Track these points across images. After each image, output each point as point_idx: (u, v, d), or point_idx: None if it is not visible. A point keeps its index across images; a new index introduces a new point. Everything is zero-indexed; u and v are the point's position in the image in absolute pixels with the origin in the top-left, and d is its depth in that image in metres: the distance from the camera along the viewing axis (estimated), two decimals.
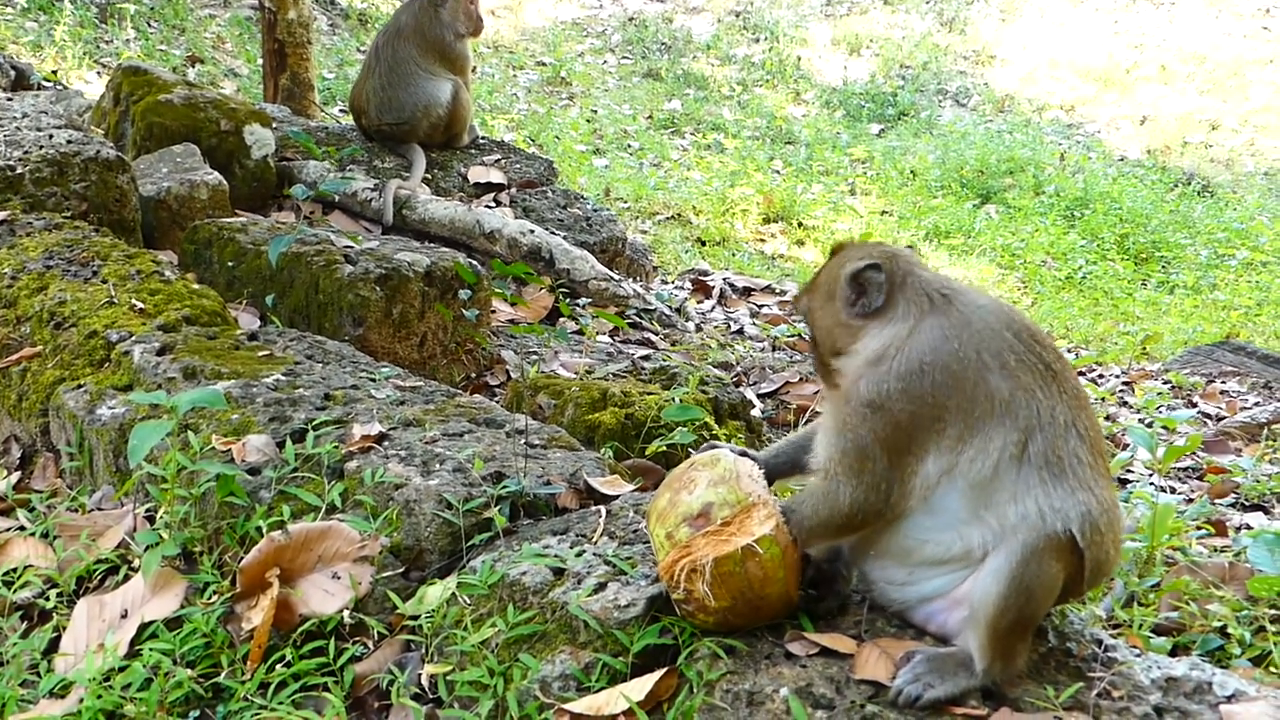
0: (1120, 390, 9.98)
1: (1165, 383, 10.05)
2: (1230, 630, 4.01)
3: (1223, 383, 10.19)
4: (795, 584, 3.39)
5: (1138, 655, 3.47)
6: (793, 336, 9.29)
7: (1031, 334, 3.37)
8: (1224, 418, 8.96)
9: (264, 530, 4.07)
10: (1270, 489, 6.63)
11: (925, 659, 3.24)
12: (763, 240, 16.20)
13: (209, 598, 3.99)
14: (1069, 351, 11.68)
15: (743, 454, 3.66)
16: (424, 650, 3.74)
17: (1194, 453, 6.92)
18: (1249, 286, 16.04)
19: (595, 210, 9.89)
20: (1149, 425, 7.74)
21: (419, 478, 4.23)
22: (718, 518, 3.29)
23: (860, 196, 19.14)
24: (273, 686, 3.60)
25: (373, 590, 3.94)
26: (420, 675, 3.66)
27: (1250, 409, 9.42)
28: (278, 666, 3.65)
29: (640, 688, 3.31)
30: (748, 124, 22.83)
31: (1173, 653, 3.97)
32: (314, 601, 3.88)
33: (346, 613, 3.85)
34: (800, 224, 16.73)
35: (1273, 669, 3.82)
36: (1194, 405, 9.31)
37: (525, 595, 3.67)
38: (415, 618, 3.80)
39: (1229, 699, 3.26)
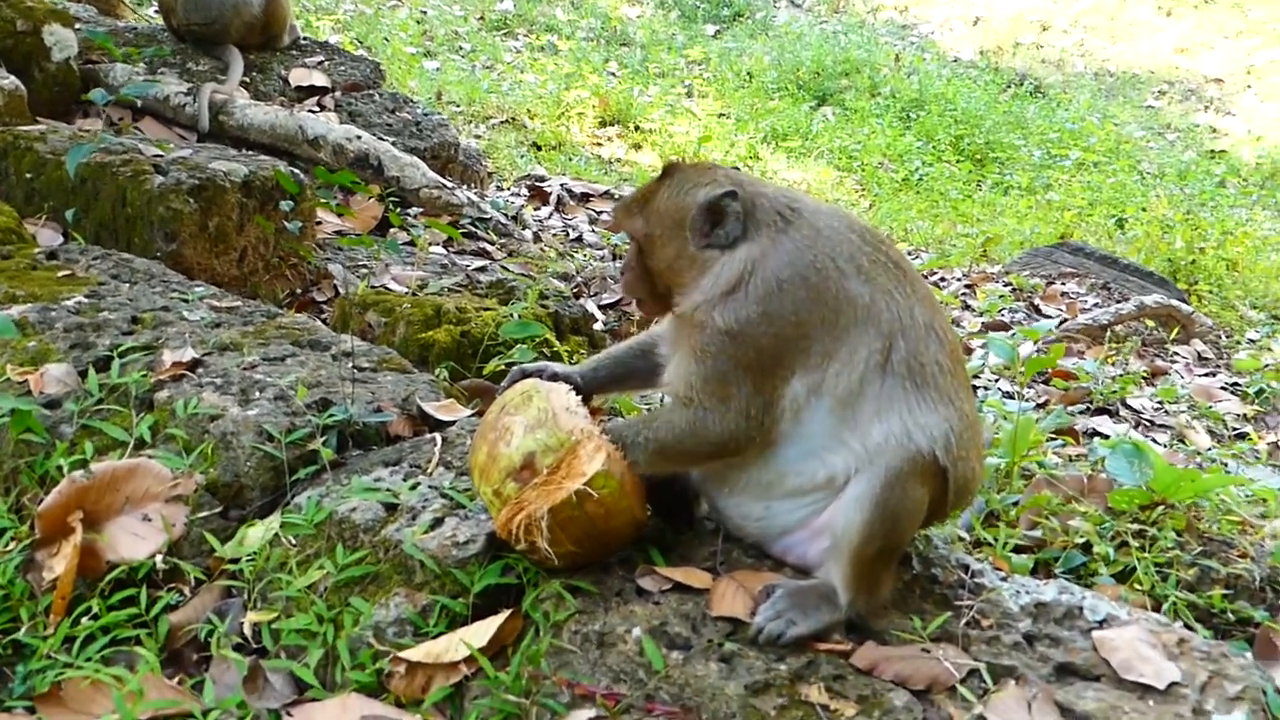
0: (962, 293, 9.99)
1: (1006, 285, 10.10)
2: (1095, 547, 3.92)
3: (1062, 284, 10.28)
4: (641, 505, 3.20)
5: (1004, 580, 3.34)
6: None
7: (875, 235, 3.22)
8: (1065, 320, 9.00)
9: (65, 470, 3.72)
10: (1112, 392, 6.64)
11: (786, 593, 3.06)
12: (599, 144, 15.91)
13: (6, 545, 3.62)
14: (911, 255, 11.68)
15: (555, 377, 3.41)
16: (246, 596, 3.44)
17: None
18: (1081, 187, 16.29)
19: (426, 115, 9.48)
20: (1009, 334, 7.65)
21: (236, 408, 3.91)
22: (543, 466, 3.05)
23: (697, 99, 18.95)
24: (79, 641, 3.28)
25: (188, 532, 3.64)
26: (242, 624, 3.36)
27: (1090, 310, 9.53)
28: (84, 619, 3.34)
29: (482, 632, 3.09)
30: (582, 25, 22.40)
31: (1034, 571, 3.87)
32: (123, 546, 3.57)
33: (159, 558, 3.55)
34: (637, 127, 16.49)
35: (1137, 586, 3.73)
36: (1035, 308, 9.35)
37: (355, 533, 3.41)
38: (235, 561, 3.50)
39: (1100, 624, 3.15)
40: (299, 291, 6.42)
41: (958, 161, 17.55)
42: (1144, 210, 14.71)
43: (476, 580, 3.19)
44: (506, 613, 3.14)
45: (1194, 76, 23.38)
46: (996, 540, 3.97)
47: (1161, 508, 4.04)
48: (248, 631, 3.34)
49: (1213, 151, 21.08)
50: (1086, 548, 3.98)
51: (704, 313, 3.09)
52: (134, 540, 3.60)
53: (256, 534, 3.55)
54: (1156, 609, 3.74)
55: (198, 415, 3.88)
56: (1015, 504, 4.25)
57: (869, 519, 2.98)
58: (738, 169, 3.42)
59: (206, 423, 3.86)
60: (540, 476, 3.04)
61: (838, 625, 3.06)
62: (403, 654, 3.07)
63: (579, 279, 7.43)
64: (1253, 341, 10.09)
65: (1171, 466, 4.13)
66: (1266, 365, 8.21)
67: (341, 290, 6.36)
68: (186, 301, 4.83)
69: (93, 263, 5.22)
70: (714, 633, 3.02)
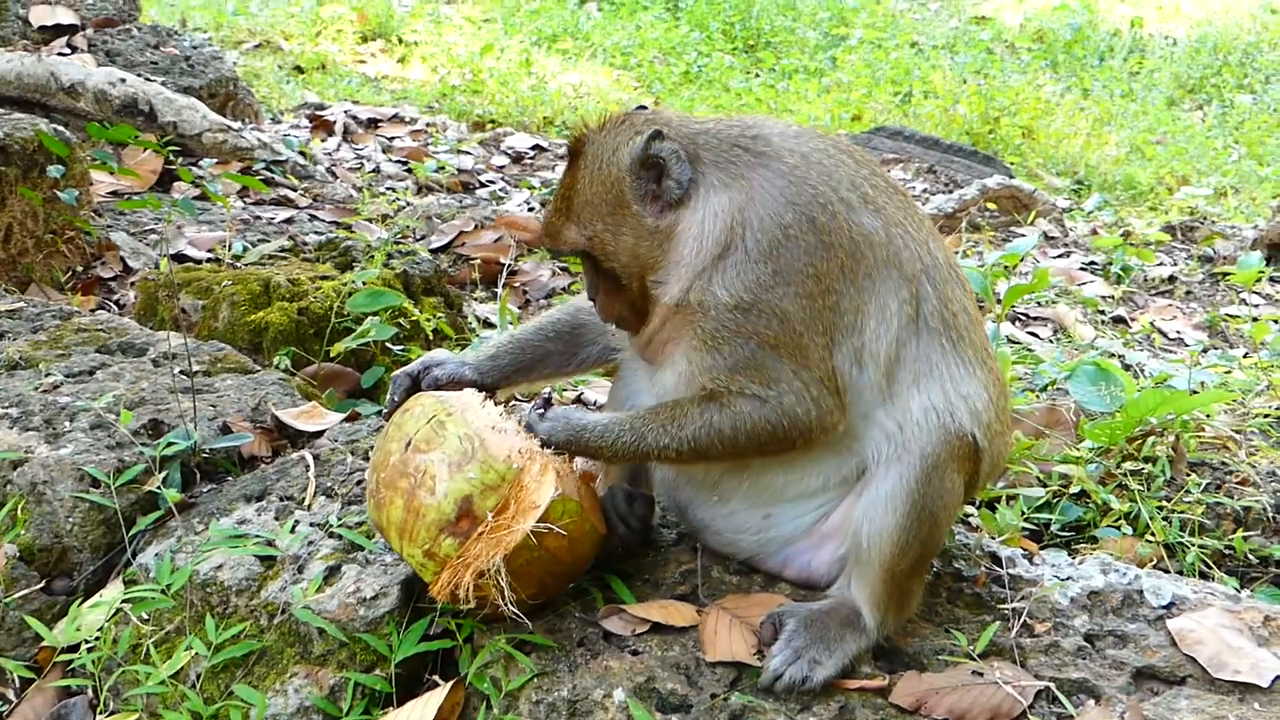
0: None
1: None
2: (1090, 493, 3.39)
3: (888, 171, 9.86)
4: (600, 518, 2.63)
5: (1035, 563, 2.80)
6: (439, 171, 8.23)
7: (864, 154, 2.65)
8: None
9: None
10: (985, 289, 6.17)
11: (800, 623, 2.47)
12: (363, 61, 14.94)
13: None
14: None
15: (440, 385, 2.77)
16: (92, 695, 2.75)
17: None
18: (864, 64, 16.02)
19: (195, 47, 8.53)
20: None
21: (44, 446, 3.20)
22: (485, 511, 2.42)
23: (457, 5, 17.98)
24: None
25: (3, 618, 2.96)
26: None
27: (919, 195, 9.17)
28: None
29: (417, 717, 2.47)
30: None
31: (1037, 537, 3.32)
32: None
33: None
34: (401, 40, 15.53)
35: (1150, 538, 3.22)
36: None
37: (227, 598, 2.78)
38: (73, 650, 2.82)
39: (1168, 608, 2.63)
40: (80, 270, 5.51)
41: (733, 50, 17.09)
42: (923, 83, 14.60)
43: (397, 647, 2.57)
44: (445, 686, 2.53)
45: None
46: (980, 505, 3.39)
47: (1151, 438, 3.53)
48: None
49: (977, 18, 20.99)
50: (1081, 496, 3.45)
51: (700, 290, 2.45)
52: None
53: (95, 612, 2.84)
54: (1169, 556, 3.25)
55: None
56: None
57: (904, 523, 2.41)
58: (645, 108, 2.74)
59: (7, 470, 3.15)
60: (485, 524, 2.37)
61: (866, 654, 2.48)
62: None
63: (400, 223, 6.58)
64: (1088, 213, 9.86)
65: (1150, 386, 3.63)
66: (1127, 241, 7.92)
67: (131, 263, 5.46)
68: None
69: None
70: (715, 683, 2.46)
